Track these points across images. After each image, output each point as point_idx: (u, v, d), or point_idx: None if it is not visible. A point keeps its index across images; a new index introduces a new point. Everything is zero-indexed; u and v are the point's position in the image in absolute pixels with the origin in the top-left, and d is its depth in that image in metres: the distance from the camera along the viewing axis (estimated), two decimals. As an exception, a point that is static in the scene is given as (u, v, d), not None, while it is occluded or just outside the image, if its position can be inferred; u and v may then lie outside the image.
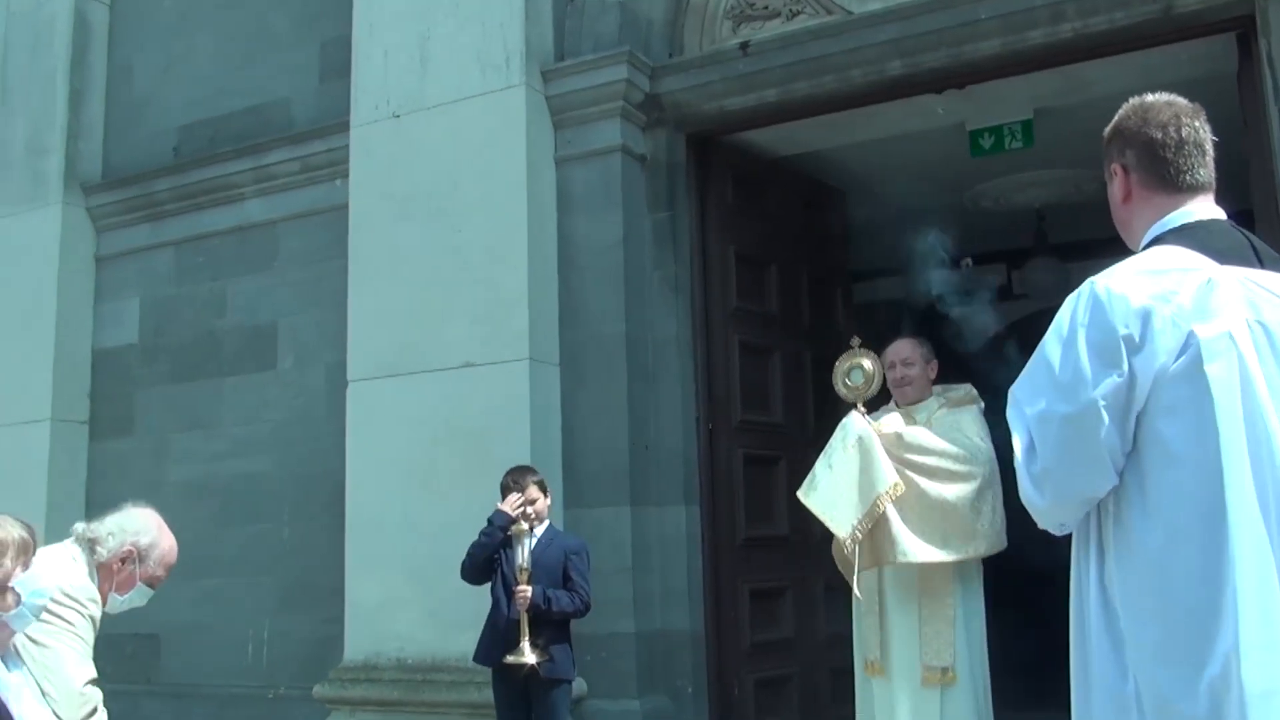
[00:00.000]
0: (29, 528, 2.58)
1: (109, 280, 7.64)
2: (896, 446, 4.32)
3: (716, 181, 6.27)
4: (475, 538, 4.73)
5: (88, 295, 7.64)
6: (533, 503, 4.71)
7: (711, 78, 5.95)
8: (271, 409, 6.83)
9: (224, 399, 7.01)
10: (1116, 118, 2.20)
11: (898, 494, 4.18)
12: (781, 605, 6.20)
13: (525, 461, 5.15)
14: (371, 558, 5.87)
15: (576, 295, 5.90)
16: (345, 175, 6.44)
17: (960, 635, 4.30)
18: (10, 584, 2.49)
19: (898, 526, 4.17)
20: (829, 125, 6.19)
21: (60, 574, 2.94)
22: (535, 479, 4.80)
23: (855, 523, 4.18)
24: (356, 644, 5.86)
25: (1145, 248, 2.10)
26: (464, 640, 5.22)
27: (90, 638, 2.97)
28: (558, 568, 4.67)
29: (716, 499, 5.93)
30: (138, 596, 3.19)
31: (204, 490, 6.96)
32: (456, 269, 5.88)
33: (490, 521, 4.69)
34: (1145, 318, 1.89)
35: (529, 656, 4.49)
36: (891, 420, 4.47)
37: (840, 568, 4.41)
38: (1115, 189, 2.21)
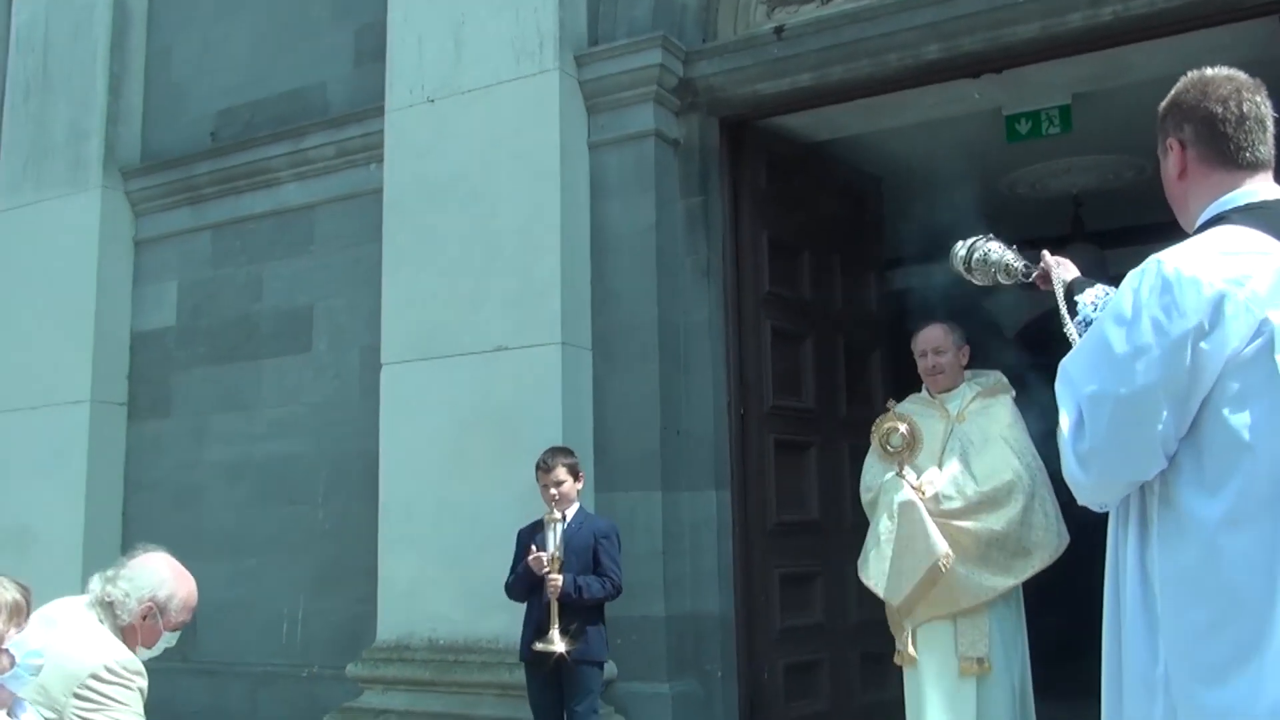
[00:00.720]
0: (24, 590, 2.54)
1: (147, 263, 7.73)
2: (933, 503, 4.25)
3: (750, 167, 6.25)
4: (511, 567, 4.84)
5: (126, 278, 7.74)
6: (559, 485, 4.72)
7: (745, 62, 5.93)
8: (307, 391, 6.89)
9: (261, 381, 7.08)
10: (1174, 91, 2.13)
11: (949, 565, 4.14)
12: (812, 590, 6.20)
13: (557, 445, 5.17)
14: (404, 539, 5.92)
15: (609, 280, 5.91)
16: (380, 160, 6.48)
17: (995, 625, 4.28)
18: (4, 645, 2.44)
19: (966, 571, 4.17)
20: (864, 110, 6.15)
21: (102, 649, 2.90)
22: (566, 461, 4.80)
23: (905, 591, 4.21)
24: (389, 624, 5.92)
25: (1203, 226, 2.04)
26: (496, 621, 5.27)
27: (141, 710, 2.92)
28: (588, 551, 4.68)
29: (748, 484, 5.92)
30: (165, 642, 3.16)
31: (241, 471, 7.04)
32: (490, 253, 5.91)
33: (514, 572, 4.79)
34: (1218, 303, 1.83)
35: (558, 645, 4.50)
36: (930, 475, 4.34)
37: (892, 629, 4.41)
38: (1170, 164, 2.14)
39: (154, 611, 3.03)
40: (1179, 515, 1.90)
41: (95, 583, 3.05)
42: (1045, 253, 2.74)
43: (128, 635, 3.03)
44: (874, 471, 4.51)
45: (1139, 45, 5.33)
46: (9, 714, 2.54)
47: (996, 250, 3.09)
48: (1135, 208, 7.24)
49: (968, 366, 4.63)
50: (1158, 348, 1.85)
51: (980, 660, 4.21)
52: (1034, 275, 2.82)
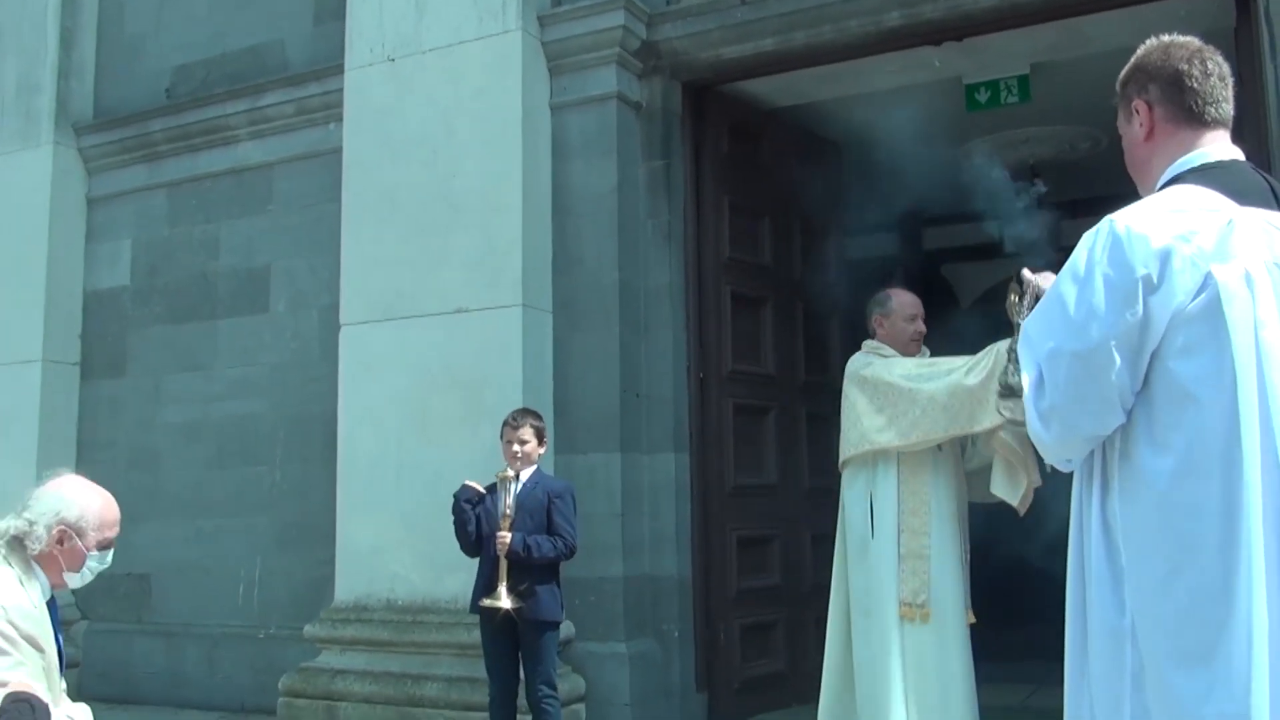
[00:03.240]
0: None
1: (101, 221, 7.62)
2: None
3: (712, 131, 6.26)
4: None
5: (79, 236, 7.62)
6: (523, 444, 4.71)
7: (709, 25, 5.92)
8: (265, 352, 6.85)
9: (218, 341, 7.03)
10: (1135, 57, 2.18)
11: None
12: (769, 553, 6.28)
13: (518, 406, 5.18)
14: (364, 500, 5.92)
15: (570, 242, 5.91)
16: (340, 119, 6.41)
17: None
18: None
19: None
20: (826, 77, 6.18)
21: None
22: (534, 423, 4.76)
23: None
24: (347, 585, 5.93)
25: (1162, 187, 2.08)
26: (454, 582, 5.29)
27: (22, 656, 2.73)
28: (541, 511, 4.63)
29: (706, 447, 5.98)
30: (95, 563, 2.96)
31: (198, 432, 7.00)
32: (450, 214, 5.88)
33: (455, 497, 4.69)
34: (1165, 257, 1.89)
35: (505, 601, 4.47)
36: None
37: (1019, 466, 4.16)
38: (1135, 128, 2.18)
39: (68, 534, 2.86)
40: (1135, 469, 1.95)
41: (5, 521, 2.89)
42: (1025, 271, 2.77)
43: (47, 565, 2.88)
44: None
45: (1096, 16, 5.40)
46: None
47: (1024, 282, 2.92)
48: (1090, 179, 7.34)
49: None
50: (1109, 302, 1.91)
51: (972, 611, 4.35)
52: (1023, 301, 2.80)
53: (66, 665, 3.00)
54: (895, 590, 4.40)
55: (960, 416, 4.27)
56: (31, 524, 2.86)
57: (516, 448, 4.66)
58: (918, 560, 4.39)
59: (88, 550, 2.92)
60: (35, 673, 2.75)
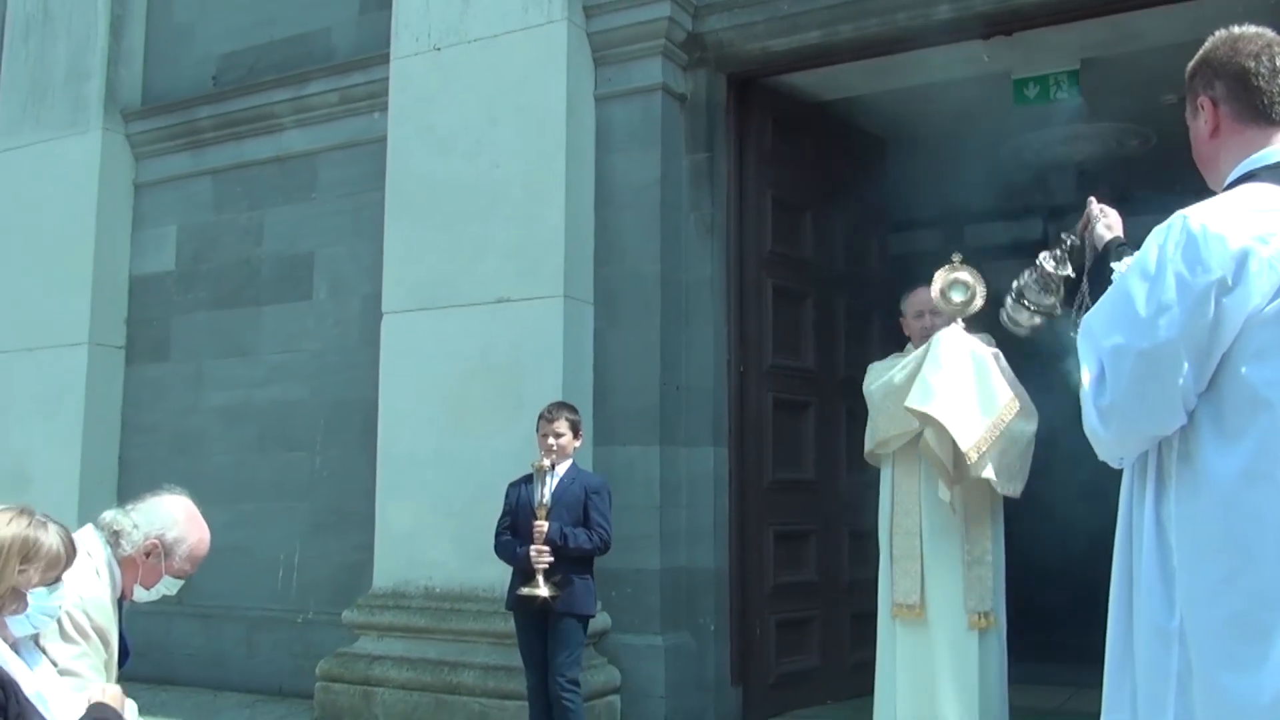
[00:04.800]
0: (70, 545, 2.46)
1: (147, 207, 7.70)
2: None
3: (756, 124, 6.23)
4: (502, 520, 4.82)
5: (126, 221, 7.70)
6: (559, 437, 4.72)
7: (755, 18, 5.89)
8: (308, 338, 6.90)
9: (261, 327, 7.08)
10: (1203, 49, 2.12)
11: (1013, 412, 4.17)
12: (805, 548, 6.25)
13: (557, 398, 5.19)
14: (402, 487, 5.95)
15: (612, 234, 5.90)
16: (384, 108, 6.44)
17: (998, 580, 4.34)
18: (25, 592, 2.38)
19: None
20: (872, 70, 6.12)
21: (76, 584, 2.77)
22: (570, 416, 4.78)
23: (980, 436, 4.16)
24: (386, 571, 5.96)
25: (1232, 184, 2.02)
26: (491, 571, 5.30)
27: (88, 649, 2.81)
28: (578, 506, 4.67)
29: (745, 441, 5.96)
30: (165, 588, 3.05)
31: (240, 416, 7.06)
32: (493, 204, 5.89)
33: (501, 523, 4.79)
34: (1242, 259, 1.83)
35: (543, 589, 4.51)
36: (983, 339, 4.39)
37: (935, 468, 4.33)
38: (1201, 124, 2.12)
39: (158, 551, 2.96)
40: (1196, 471, 1.90)
41: (110, 512, 3.00)
42: (1091, 199, 2.62)
43: (126, 568, 2.96)
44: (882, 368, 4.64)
45: (1151, 10, 5.30)
46: (19, 656, 2.51)
47: (1036, 265, 2.83)
48: (1140, 177, 7.24)
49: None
50: (1180, 302, 1.85)
51: (986, 614, 4.28)
52: (1077, 230, 2.64)
53: None
54: (890, 590, 4.43)
55: (897, 416, 4.34)
56: (135, 526, 2.95)
57: (551, 441, 4.68)
58: (910, 561, 4.40)
59: (165, 574, 2.98)
60: (96, 665, 2.80)
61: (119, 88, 7.75)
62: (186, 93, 7.56)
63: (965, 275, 4.44)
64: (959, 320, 4.44)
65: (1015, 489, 4.30)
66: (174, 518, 3.02)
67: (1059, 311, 2.82)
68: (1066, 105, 6.41)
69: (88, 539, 2.92)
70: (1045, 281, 2.81)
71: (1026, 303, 2.83)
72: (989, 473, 4.20)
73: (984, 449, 4.15)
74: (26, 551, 2.37)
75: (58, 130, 7.73)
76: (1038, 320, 2.86)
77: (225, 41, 7.54)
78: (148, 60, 7.90)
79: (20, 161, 7.82)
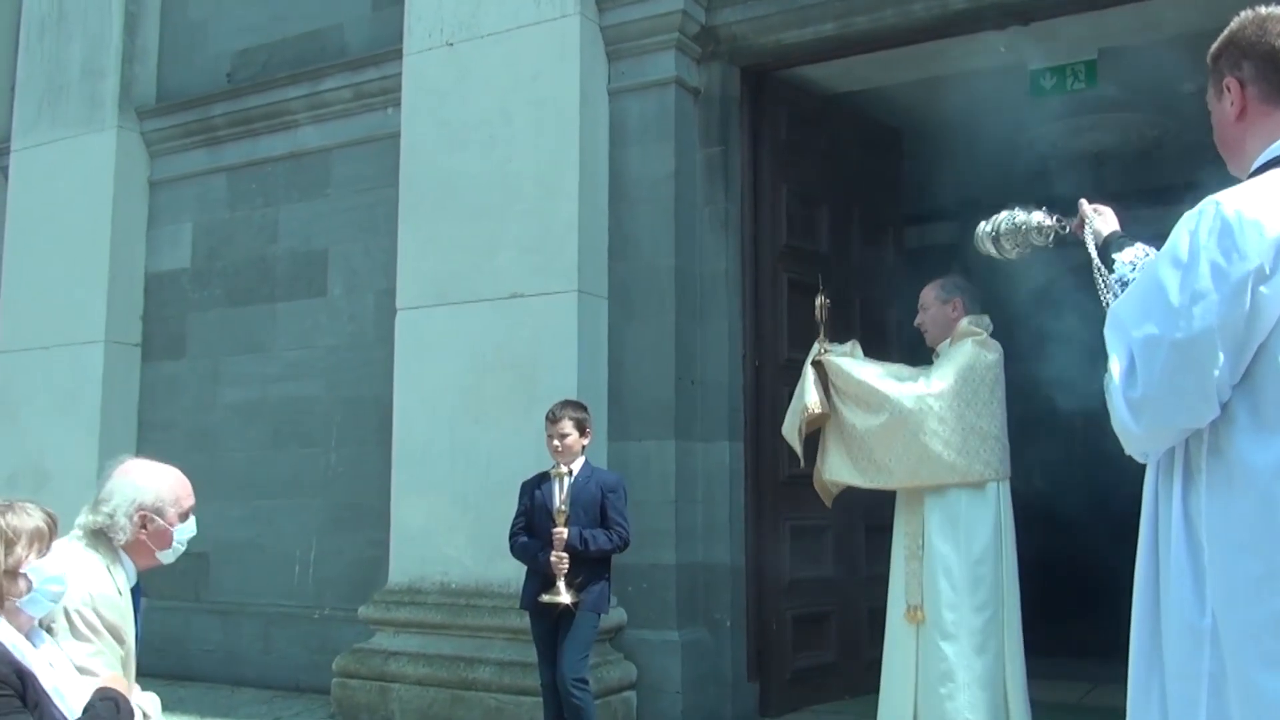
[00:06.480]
0: (50, 517, 2.52)
1: (163, 204, 7.72)
2: (834, 374, 4.56)
3: (770, 117, 6.19)
4: (516, 532, 4.78)
5: (141, 219, 7.73)
6: (564, 437, 4.67)
7: (769, 10, 5.85)
8: (322, 334, 6.90)
9: (276, 323, 7.09)
10: (1229, 30, 2.06)
11: (810, 415, 4.52)
12: (822, 543, 6.21)
13: (572, 393, 5.17)
14: (418, 483, 5.94)
15: (627, 228, 5.89)
16: (398, 103, 6.43)
17: (1004, 578, 4.30)
18: (22, 570, 2.43)
19: (830, 445, 4.60)
20: (887, 62, 6.08)
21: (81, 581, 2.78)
22: (575, 415, 4.69)
23: (795, 429, 4.67)
24: (401, 567, 5.96)
25: (1260, 169, 1.97)
26: (507, 567, 5.29)
27: (102, 645, 2.81)
28: (595, 505, 4.63)
29: (761, 435, 5.92)
30: (182, 535, 3.02)
31: (256, 413, 7.08)
32: (507, 199, 5.88)
33: (516, 523, 4.77)
34: (1279, 246, 1.77)
35: (565, 596, 4.48)
36: (848, 348, 4.71)
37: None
38: (1226, 106, 2.06)
39: (150, 518, 2.93)
40: (1230, 464, 1.84)
41: (82, 517, 2.94)
42: (1083, 201, 2.63)
43: (136, 551, 2.95)
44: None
45: (1170, -1, 5.25)
46: (28, 640, 2.54)
47: (1022, 214, 3.02)
48: (1157, 169, 7.18)
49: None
50: (1216, 291, 1.79)
51: (916, 609, 4.38)
52: (1071, 226, 2.71)
53: None
54: (902, 592, 4.42)
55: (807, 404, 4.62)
56: (111, 517, 2.91)
57: (557, 442, 4.64)
58: (914, 561, 4.37)
59: (172, 526, 2.97)
60: (112, 662, 2.79)
61: (134, 85, 7.77)
62: (201, 90, 7.57)
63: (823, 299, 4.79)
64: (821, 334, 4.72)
65: (887, 481, 4.45)
66: (137, 484, 2.96)
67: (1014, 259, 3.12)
68: (1084, 96, 6.36)
69: (74, 551, 2.86)
70: (1023, 241, 3.04)
71: (1001, 244, 3.08)
72: (839, 475, 4.57)
73: (797, 450, 4.69)
74: (5, 536, 2.44)
75: (73, 128, 7.76)
76: (996, 256, 3.15)
77: (239, 38, 7.55)
78: (162, 58, 7.92)
79: (36, 160, 7.86)
